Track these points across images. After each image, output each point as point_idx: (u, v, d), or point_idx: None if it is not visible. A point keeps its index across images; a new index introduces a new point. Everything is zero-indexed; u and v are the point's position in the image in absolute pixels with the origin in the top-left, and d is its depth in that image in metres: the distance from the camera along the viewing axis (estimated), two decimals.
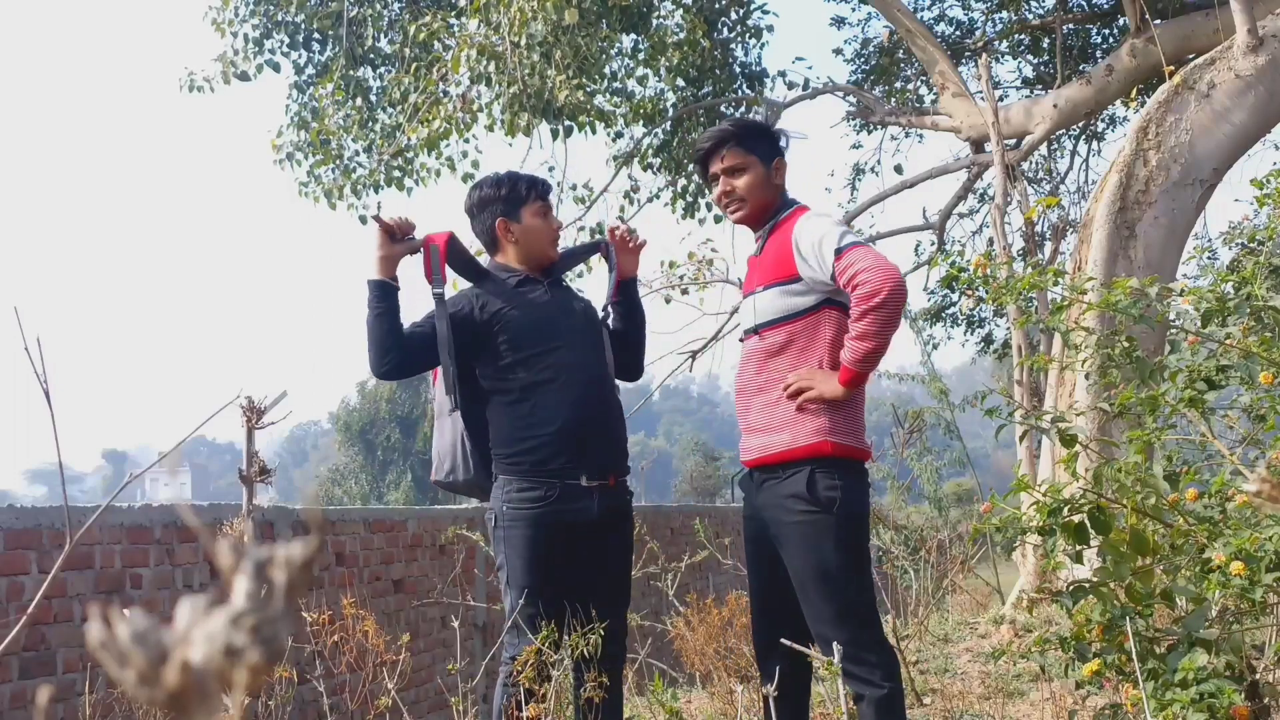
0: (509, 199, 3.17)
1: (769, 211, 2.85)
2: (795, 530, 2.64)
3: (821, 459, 2.63)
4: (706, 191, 9.30)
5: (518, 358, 3.06)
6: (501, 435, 3.07)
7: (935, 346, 10.93)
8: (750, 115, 3.02)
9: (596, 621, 2.93)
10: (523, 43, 7.38)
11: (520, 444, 3.03)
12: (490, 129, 8.19)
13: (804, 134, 3.15)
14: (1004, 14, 10.14)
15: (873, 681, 2.59)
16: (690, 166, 9.16)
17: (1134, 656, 2.24)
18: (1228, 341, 2.63)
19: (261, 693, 3.16)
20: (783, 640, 2.67)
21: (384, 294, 3.03)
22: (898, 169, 9.90)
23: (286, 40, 9.45)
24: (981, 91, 7.37)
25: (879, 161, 10.61)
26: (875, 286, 2.51)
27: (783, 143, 2.90)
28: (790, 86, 9.39)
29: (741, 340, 2.86)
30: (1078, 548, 2.54)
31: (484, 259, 3.33)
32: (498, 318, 3.09)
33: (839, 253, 2.58)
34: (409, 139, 8.46)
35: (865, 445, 2.71)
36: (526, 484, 3.00)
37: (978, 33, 10.31)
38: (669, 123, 9.11)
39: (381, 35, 9.29)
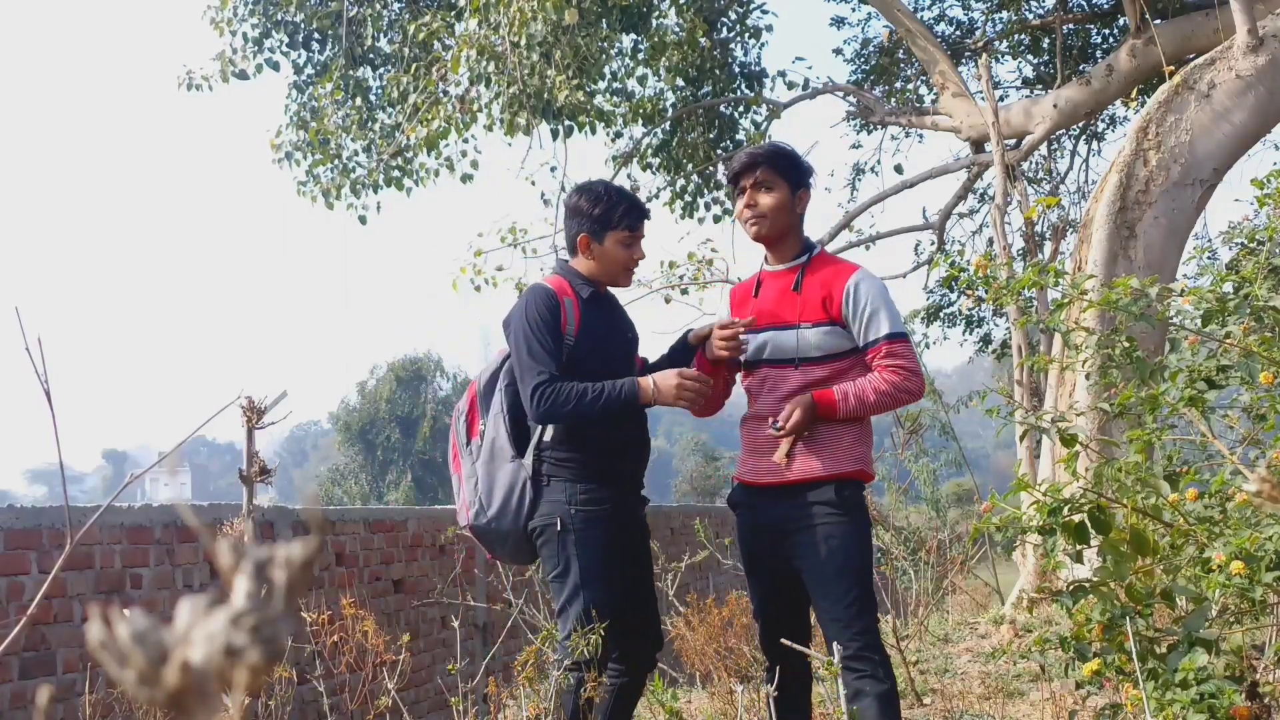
0: (599, 219, 3.17)
1: (786, 240, 3.00)
2: (822, 531, 2.82)
3: (846, 479, 2.89)
4: (703, 192, 9.40)
5: (583, 371, 3.07)
6: (563, 435, 3.08)
7: (926, 347, 10.94)
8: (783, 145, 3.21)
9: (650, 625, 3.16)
10: (522, 43, 7.38)
11: (586, 448, 3.07)
12: (490, 129, 8.18)
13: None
14: (1004, 14, 10.13)
15: (878, 677, 2.76)
16: (689, 166, 9.16)
17: (1134, 656, 2.24)
18: (1228, 341, 2.63)
19: (261, 693, 3.16)
20: (782, 640, 2.78)
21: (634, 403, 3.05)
22: (898, 169, 9.90)
23: (286, 40, 9.44)
24: (981, 91, 7.37)
25: (879, 161, 10.55)
26: (915, 392, 2.88)
27: (811, 179, 3.08)
28: (790, 86, 9.39)
29: (757, 366, 2.97)
30: (1078, 548, 2.54)
31: (563, 253, 3.42)
32: (578, 332, 3.13)
33: (890, 338, 2.85)
34: (408, 139, 8.45)
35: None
36: (594, 484, 3.05)
37: (978, 33, 10.30)
38: (668, 123, 9.10)
39: (381, 35, 9.28)
